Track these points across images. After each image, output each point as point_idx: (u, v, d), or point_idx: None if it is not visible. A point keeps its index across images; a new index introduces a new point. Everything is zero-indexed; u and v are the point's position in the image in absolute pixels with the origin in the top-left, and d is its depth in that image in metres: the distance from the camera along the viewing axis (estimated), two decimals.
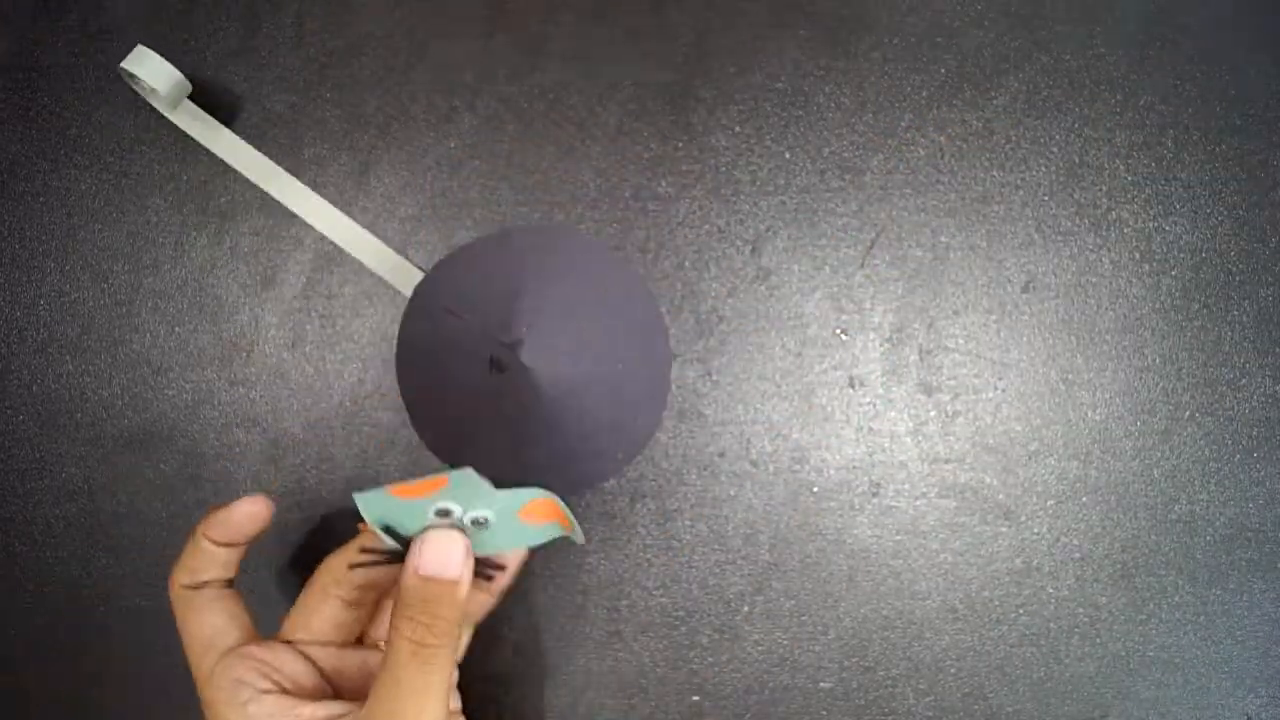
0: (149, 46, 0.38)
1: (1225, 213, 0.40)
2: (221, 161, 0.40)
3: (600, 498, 0.39)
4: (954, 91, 0.41)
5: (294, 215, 0.40)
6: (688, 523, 0.39)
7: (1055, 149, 0.40)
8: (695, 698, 0.38)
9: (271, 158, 0.41)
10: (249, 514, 0.32)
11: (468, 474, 0.29)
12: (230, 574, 0.32)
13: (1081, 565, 0.39)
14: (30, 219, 0.41)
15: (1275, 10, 0.41)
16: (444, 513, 0.29)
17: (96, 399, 0.40)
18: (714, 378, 0.39)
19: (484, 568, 0.31)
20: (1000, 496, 0.39)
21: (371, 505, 0.29)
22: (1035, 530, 0.39)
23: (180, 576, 0.32)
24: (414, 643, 0.27)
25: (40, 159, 0.41)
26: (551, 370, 0.35)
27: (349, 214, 0.40)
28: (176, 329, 0.40)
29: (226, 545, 0.32)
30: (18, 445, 0.40)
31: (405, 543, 0.29)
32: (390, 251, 0.40)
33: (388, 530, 0.29)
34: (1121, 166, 0.40)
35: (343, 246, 0.40)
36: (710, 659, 0.38)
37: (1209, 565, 0.39)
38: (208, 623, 0.31)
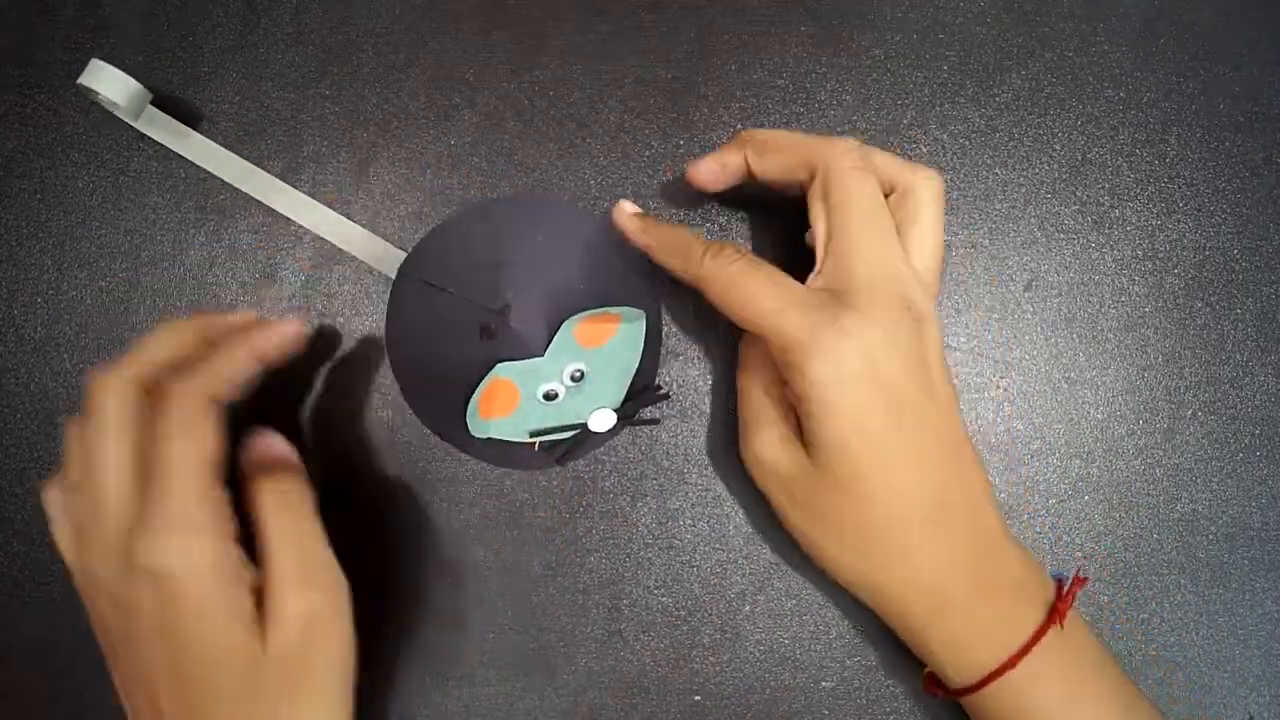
0: (143, 42, 0.37)
1: (1228, 211, 0.40)
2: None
3: (601, 497, 0.39)
4: (956, 88, 0.41)
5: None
6: (689, 522, 0.39)
7: (1058, 146, 0.40)
8: (697, 697, 0.38)
9: (270, 154, 0.40)
10: (296, 335, 0.34)
11: (506, 365, 0.34)
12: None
13: (1083, 564, 0.38)
14: (27, 216, 0.41)
15: (1278, 7, 0.41)
16: (550, 395, 0.35)
17: None
18: (716, 375, 0.39)
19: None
20: (1002, 495, 0.39)
21: (503, 430, 0.35)
22: (1037, 529, 0.39)
23: (217, 391, 0.30)
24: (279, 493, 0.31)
25: (37, 156, 0.41)
26: (540, 330, 0.35)
27: (347, 213, 0.40)
28: None
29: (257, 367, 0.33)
30: (16, 444, 0.40)
31: (557, 430, 0.37)
32: (374, 237, 0.39)
33: (534, 434, 0.36)
34: (1124, 164, 0.40)
35: (327, 238, 0.39)
36: (712, 658, 0.38)
37: (1211, 564, 0.39)
38: (214, 444, 0.30)
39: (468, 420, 0.35)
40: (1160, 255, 0.40)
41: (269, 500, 0.31)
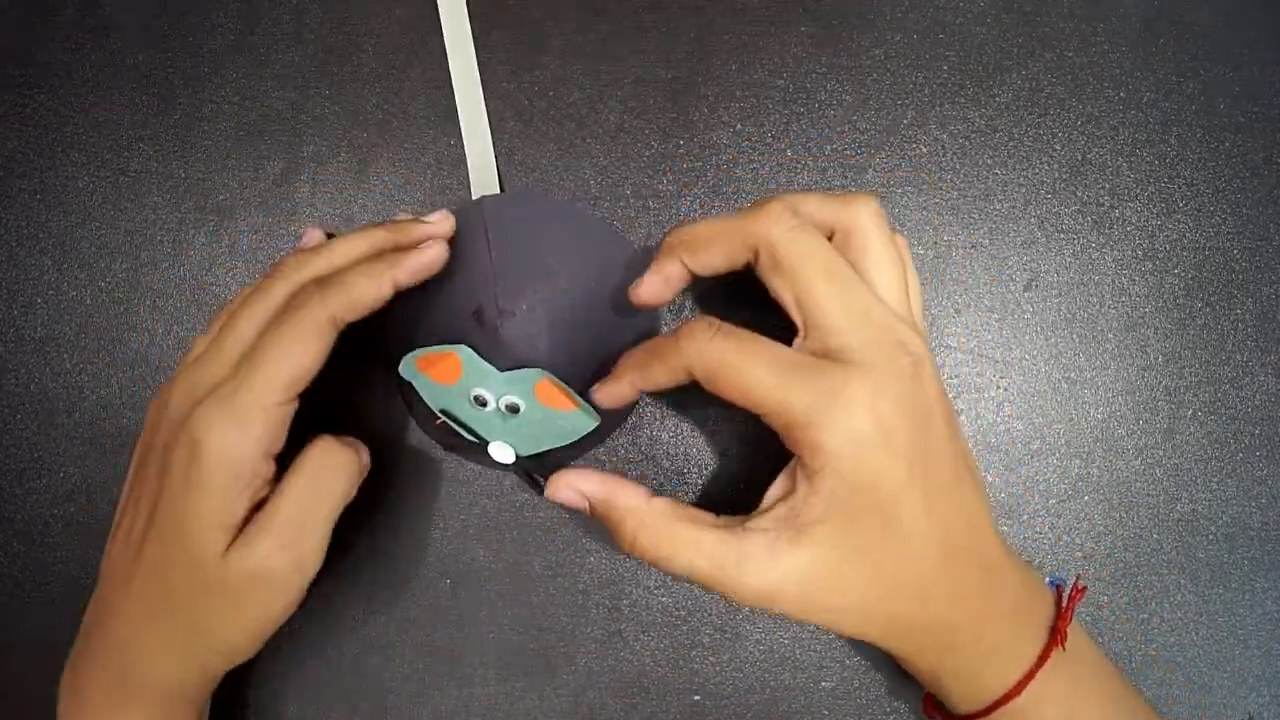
0: (144, 42, 0.38)
1: (1228, 210, 0.40)
2: (221, 158, 0.40)
3: None
4: (956, 88, 0.41)
5: (294, 212, 0.40)
6: None
7: (1058, 146, 0.40)
8: (696, 697, 0.38)
9: (270, 155, 0.40)
10: (434, 261, 0.34)
11: (468, 352, 0.34)
12: None
13: (1083, 564, 0.38)
14: (27, 217, 0.41)
15: (1278, 7, 0.41)
16: (481, 400, 0.35)
17: (95, 398, 0.40)
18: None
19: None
20: (1002, 495, 0.39)
21: (424, 390, 0.35)
22: (1037, 529, 0.39)
23: (344, 315, 0.32)
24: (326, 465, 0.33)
25: (37, 156, 0.41)
26: (516, 355, 0.35)
27: (348, 214, 0.40)
28: (175, 327, 0.40)
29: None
30: (16, 445, 0.40)
31: (464, 427, 0.36)
32: (492, 165, 0.40)
33: (445, 413, 0.36)
34: (1124, 164, 0.40)
35: (462, 122, 0.40)
36: (711, 658, 0.38)
37: (1211, 564, 0.39)
38: (312, 363, 0.32)
39: (403, 358, 0.34)
40: (1160, 255, 0.40)
41: (316, 461, 0.32)
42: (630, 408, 0.38)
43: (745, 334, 0.30)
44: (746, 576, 0.29)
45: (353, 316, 0.32)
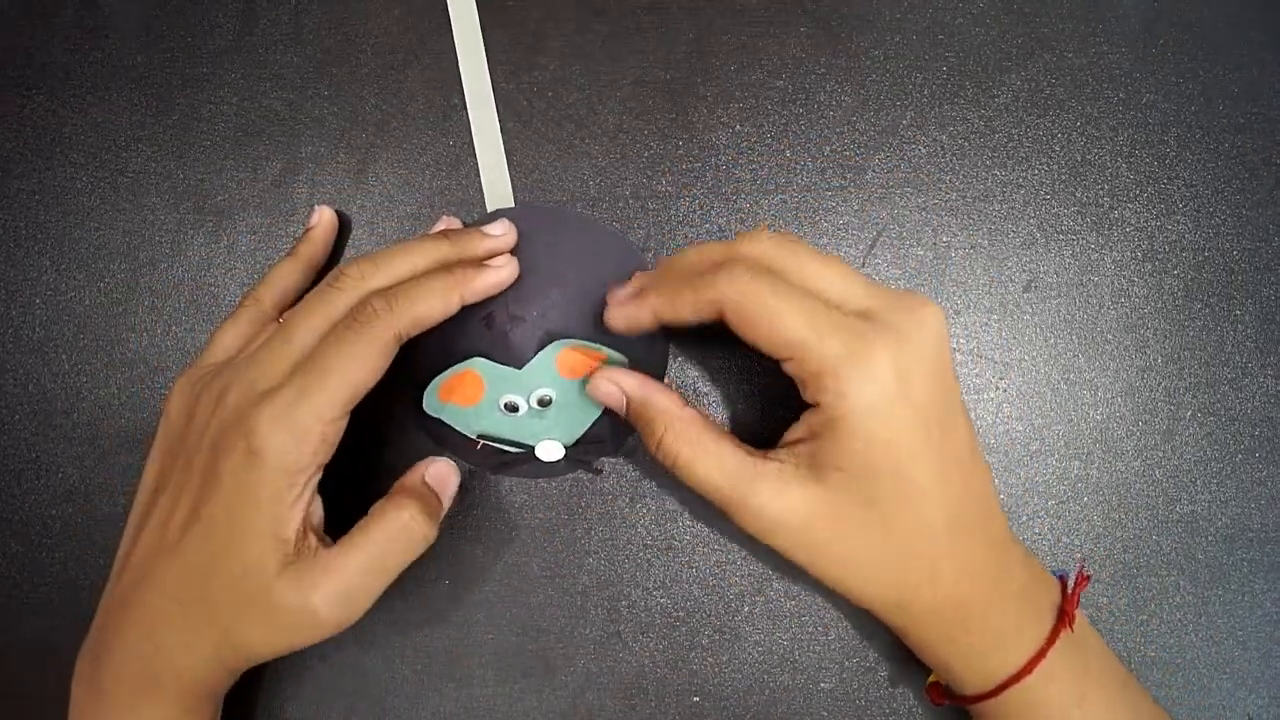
0: (143, 43, 0.37)
1: (1228, 211, 0.40)
2: (220, 159, 0.40)
3: (600, 498, 0.39)
4: (955, 89, 0.40)
5: (293, 213, 0.40)
6: (688, 523, 0.39)
7: (1057, 147, 0.40)
8: (695, 698, 0.38)
9: (268, 155, 0.40)
10: (508, 280, 0.34)
11: (483, 362, 0.34)
12: None
13: (1084, 564, 0.38)
14: (26, 217, 0.41)
15: (1278, 8, 0.41)
16: (512, 406, 0.35)
17: (93, 398, 0.40)
18: (715, 377, 0.39)
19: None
20: (1002, 496, 0.39)
21: (455, 419, 0.35)
22: (1036, 530, 0.39)
23: (409, 331, 0.31)
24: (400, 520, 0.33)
25: (36, 157, 0.41)
26: (530, 348, 0.35)
27: (348, 211, 0.40)
28: (174, 328, 0.40)
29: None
30: (14, 446, 0.40)
31: (505, 442, 0.36)
32: (505, 171, 0.40)
33: (483, 435, 0.36)
34: (1124, 165, 0.40)
35: (474, 134, 0.40)
36: (710, 659, 0.38)
37: (1210, 565, 0.38)
38: (373, 379, 0.31)
39: (425, 393, 0.34)
40: (1160, 255, 0.40)
41: (390, 515, 0.32)
42: (662, 371, 0.38)
43: (782, 280, 0.31)
44: (754, 499, 0.30)
45: (416, 333, 0.32)
